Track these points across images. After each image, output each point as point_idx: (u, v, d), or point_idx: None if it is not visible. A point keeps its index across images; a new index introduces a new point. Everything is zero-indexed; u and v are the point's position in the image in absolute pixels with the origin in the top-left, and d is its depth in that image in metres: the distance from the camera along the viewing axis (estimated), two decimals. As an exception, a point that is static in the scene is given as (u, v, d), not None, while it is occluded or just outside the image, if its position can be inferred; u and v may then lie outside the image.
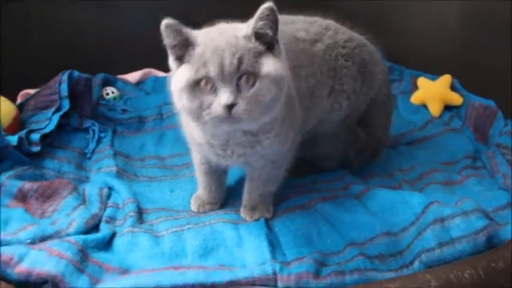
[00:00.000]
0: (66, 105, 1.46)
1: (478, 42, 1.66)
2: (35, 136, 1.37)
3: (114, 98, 1.70)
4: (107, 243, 1.13)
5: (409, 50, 1.82)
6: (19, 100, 1.60)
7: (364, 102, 1.30)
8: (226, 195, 1.29)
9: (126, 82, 1.80)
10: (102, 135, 1.51)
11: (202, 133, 1.06)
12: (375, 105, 1.34)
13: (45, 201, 1.22)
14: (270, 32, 0.94)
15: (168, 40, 0.93)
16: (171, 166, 1.47)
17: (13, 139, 1.30)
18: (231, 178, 1.33)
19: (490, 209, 1.17)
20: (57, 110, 1.45)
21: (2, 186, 1.23)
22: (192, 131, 1.09)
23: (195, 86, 0.92)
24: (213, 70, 0.90)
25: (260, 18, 0.93)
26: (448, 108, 1.70)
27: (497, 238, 1.08)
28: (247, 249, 1.11)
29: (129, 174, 1.40)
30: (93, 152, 1.47)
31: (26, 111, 1.49)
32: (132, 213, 1.20)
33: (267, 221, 1.19)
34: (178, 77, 0.94)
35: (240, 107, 0.91)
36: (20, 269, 0.97)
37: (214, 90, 0.92)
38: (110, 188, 1.31)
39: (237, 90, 0.92)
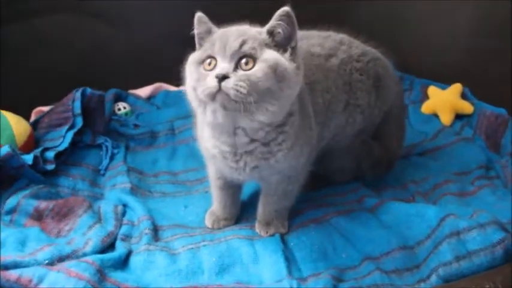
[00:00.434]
0: (79, 122, 1.48)
1: (488, 51, 1.65)
2: (50, 154, 1.39)
3: (126, 114, 1.71)
4: (123, 262, 1.13)
5: (419, 59, 1.82)
6: (33, 117, 1.62)
7: (378, 116, 1.30)
8: (240, 210, 1.29)
9: (137, 97, 1.81)
10: (115, 151, 1.52)
11: (211, 138, 1.07)
12: (388, 118, 1.34)
13: (61, 220, 1.23)
14: (281, 32, 0.97)
15: (196, 29, 1.02)
16: (184, 181, 1.47)
17: (28, 158, 1.31)
18: (245, 193, 1.33)
19: (506, 220, 1.16)
20: (71, 127, 1.47)
21: (18, 206, 1.24)
22: (206, 142, 1.10)
23: (201, 63, 0.98)
24: (217, 49, 0.95)
25: (275, 18, 0.97)
26: (459, 117, 1.70)
27: (515, 250, 1.07)
28: (264, 265, 1.11)
29: (143, 191, 1.41)
30: (106, 168, 1.48)
31: (39, 129, 1.51)
32: (147, 231, 1.21)
33: (282, 236, 1.19)
34: (192, 55, 1.02)
35: (231, 81, 0.92)
36: (40, 290, 0.97)
37: (214, 67, 0.95)
38: (125, 205, 1.32)
39: (235, 68, 0.94)
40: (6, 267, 1.01)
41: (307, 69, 1.15)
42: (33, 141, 1.45)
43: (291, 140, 1.06)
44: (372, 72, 1.26)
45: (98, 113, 1.54)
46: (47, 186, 1.33)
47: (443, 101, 1.71)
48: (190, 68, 0.99)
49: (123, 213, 1.29)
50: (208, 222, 1.27)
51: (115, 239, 1.20)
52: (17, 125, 1.41)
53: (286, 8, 0.96)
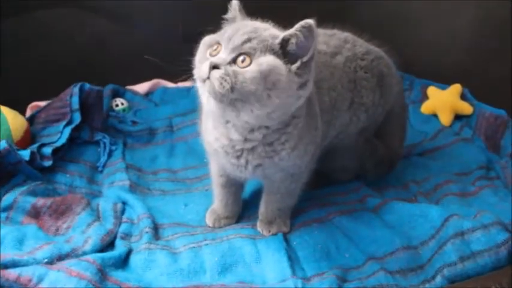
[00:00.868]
0: (77, 118, 1.45)
1: (488, 51, 1.66)
2: (47, 150, 1.35)
3: (124, 110, 1.69)
4: (123, 261, 1.10)
5: (419, 59, 1.81)
6: (28, 113, 1.59)
7: (381, 114, 1.29)
8: (242, 209, 1.28)
9: (135, 93, 1.78)
10: (113, 148, 1.49)
11: (213, 130, 1.06)
12: (391, 117, 1.33)
13: (58, 217, 1.20)
14: (295, 43, 0.94)
15: (227, 15, 1.03)
16: (183, 179, 1.45)
17: (25, 154, 1.28)
18: (246, 191, 1.31)
19: (507, 221, 1.16)
20: (69, 123, 1.43)
21: (15, 203, 1.21)
22: (209, 136, 1.09)
23: (210, 46, 0.97)
24: (225, 36, 0.95)
25: (295, 28, 0.94)
26: (458, 117, 1.70)
27: (519, 251, 1.07)
28: (267, 264, 1.10)
29: (142, 188, 1.39)
30: (104, 165, 1.45)
31: (36, 124, 1.47)
32: (147, 229, 1.19)
33: (284, 235, 1.18)
34: (207, 37, 1.01)
35: (218, 72, 0.91)
36: (40, 290, 0.95)
37: (217, 54, 0.95)
38: (124, 203, 1.30)
39: (232, 62, 0.93)
40: (5, 266, 0.98)
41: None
42: (29, 137, 1.42)
43: (294, 140, 1.04)
44: (376, 71, 1.25)
45: (96, 109, 1.51)
46: (44, 182, 1.30)
47: (443, 101, 1.71)
48: (201, 47, 0.99)
49: (122, 211, 1.27)
50: (209, 220, 1.25)
51: (114, 238, 1.18)
52: (14, 120, 1.37)
53: (309, 21, 0.92)
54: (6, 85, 1.57)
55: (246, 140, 1.03)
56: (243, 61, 0.93)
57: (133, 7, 1.83)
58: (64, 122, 1.43)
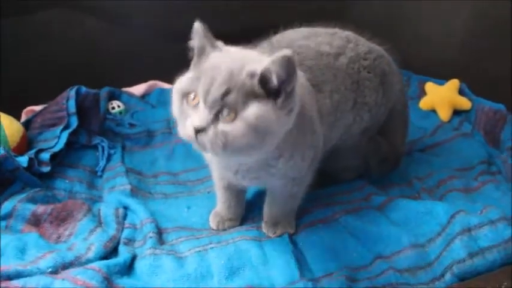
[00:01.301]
0: (74, 122, 1.42)
1: (486, 48, 1.66)
2: (45, 156, 1.32)
3: (120, 112, 1.66)
4: (128, 267, 1.08)
5: (417, 55, 1.81)
6: (23, 117, 1.55)
7: (384, 113, 1.28)
8: (246, 210, 1.26)
9: (131, 95, 1.75)
10: (112, 151, 1.46)
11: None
12: (392, 115, 1.32)
13: (59, 224, 1.18)
14: (275, 79, 0.87)
15: (192, 42, 0.93)
16: (184, 182, 1.43)
17: (23, 160, 1.25)
18: (249, 192, 1.29)
19: (510, 215, 1.17)
20: (66, 127, 1.40)
21: (14, 211, 1.18)
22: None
23: (185, 95, 0.91)
24: (200, 88, 0.88)
25: (272, 62, 0.86)
26: (456, 113, 1.70)
27: (526, 246, 1.07)
28: (274, 267, 1.08)
29: (144, 192, 1.36)
30: (103, 169, 1.42)
31: (32, 129, 1.44)
32: (151, 234, 1.17)
33: (290, 236, 1.17)
34: (180, 80, 0.94)
35: (206, 135, 0.88)
36: (45, 301, 0.93)
37: (197, 105, 0.89)
38: (125, 208, 1.27)
39: (215, 118, 0.88)
40: (8, 277, 0.96)
41: (315, 69, 1.13)
42: (26, 143, 1.38)
43: (288, 151, 1.02)
44: (378, 70, 1.24)
45: (93, 112, 1.48)
46: (43, 189, 1.27)
47: (441, 97, 1.71)
48: (175, 96, 0.93)
49: (124, 216, 1.25)
50: (212, 223, 1.23)
51: (117, 243, 1.16)
52: (10, 126, 1.34)
53: (286, 53, 0.85)
54: (-1, 90, 1.54)
55: (240, 164, 1.03)
56: (228, 114, 0.87)
57: (130, 7, 1.80)
58: (61, 127, 1.40)
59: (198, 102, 0.89)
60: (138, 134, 1.58)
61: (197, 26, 0.91)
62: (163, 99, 1.75)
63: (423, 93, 1.79)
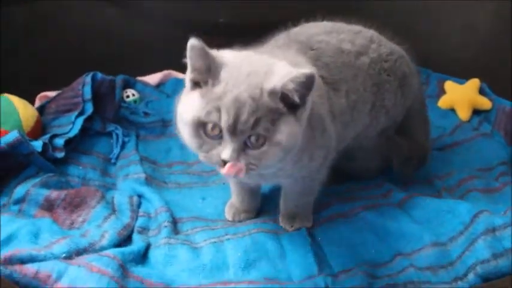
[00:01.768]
0: (89, 108, 1.40)
1: (507, 46, 1.62)
2: (59, 141, 1.30)
3: (135, 101, 1.64)
4: (142, 256, 1.06)
5: (437, 53, 1.78)
6: (37, 103, 1.53)
7: (401, 113, 1.26)
8: (262, 203, 1.23)
9: (145, 84, 1.73)
10: (126, 139, 1.44)
11: None
12: (412, 114, 1.30)
13: (73, 210, 1.16)
14: (297, 99, 0.84)
15: (190, 61, 0.85)
16: (199, 172, 1.41)
17: (37, 145, 1.23)
18: (265, 186, 1.26)
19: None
20: (81, 113, 1.39)
21: (27, 195, 1.16)
22: None
23: (201, 126, 0.85)
24: (225, 122, 0.82)
25: (292, 81, 0.83)
26: (476, 112, 1.67)
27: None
28: (291, 260, 1.06)
29: (158, 181, 1.34)
30: (117, 157, 1.40)
31: (46, 115, 1.42)
32: (166, 223, 1.15)
33: (308, 230, 1.14)
34: (188, 105, 0.87)
35: (239, 165, 0.85)
36: (60, 287, 0.90)
37: (219, 137, 0.85)
38: (140, 196, 1.25)
39: (243, 146, 0.85)
40: (22, 261, 0.93)
41: (333, 67, 1.09)
42: (40, 128, 1.37)
43: (296, 156, 0.97)
44: (399, 73, 1.21)
45: (108, 99, 1.46)
46: (57, 175, 1.25)
47: (462, 96, 1.67)
48: (189, 128, 0.85)
49: (139, 205, 1.23)
50: (228, 214, 1.21)
51: (131, 232, 1.14)
52: (24, 110, 1.32)
53: (306, 72, 0.82)
54: (14, 75, 1.52)
55: None
56: (257, 140, 0.84)
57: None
58: (76, 113, 1.38)
59: (220, 132, 0.84)
60: (153, 123, 1.56)
61: (194, 44, 0.82)
62: (179, 89, 1.71)
63: (442, 91, 1.75)
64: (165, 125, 1.57)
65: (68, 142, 1.33)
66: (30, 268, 0.92)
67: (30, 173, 1.21)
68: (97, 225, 1.12)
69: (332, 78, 1.09)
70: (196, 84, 0.87)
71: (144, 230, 1.15)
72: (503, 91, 1.65)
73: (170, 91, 1.74)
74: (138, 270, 1.00)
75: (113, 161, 1.40)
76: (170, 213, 1.19)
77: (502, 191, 1.32)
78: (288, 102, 0.85)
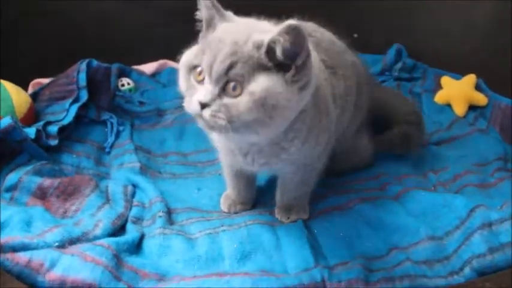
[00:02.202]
0: (84, 95, 1.37)
1: (504, 42, 1.62)
2: (53, 128, 1.28)
3: (130, 90, 1.62)
4: (136, 246, 1.05)
5: (434, 48, 1.77)
6: (30, 90, 1.51)
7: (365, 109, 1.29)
8: (258, 195, 1.23)
9: (141, 73, 1.71)
10: (121, 128, 1.42)
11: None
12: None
13: (66, 199, 1.14)
14: (282, 50, 0.82)
15: (199, 13, 0.90)
16: (194, 163, 1.39)
17: (31, 131, 1.21)
18: (261, 177, 1.26)
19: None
20: (75, 100, 1.36)
21: (19, 183, 1.14)
22: (211, 133, 1.04)
23: (192, 69, 0.88)
24: (204, 62, 0.84)
25: (278, 33, 0.81)
26: (471, 108, 1.67)
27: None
28: (287, 252, 1.05)
29: (153, 171, 1.33)
30: (112, 146, 1.38)
31: (40, 102, 1.40)
32: (161, 213, 1.13)
33: (304, 222, 1.14)
34: (186, 53, 0.91)
35: (208, 110, 0.83)
36: (53, 276, 0.89)
37: (203, 80, 0.85)
38: (134, 186, 1.24)
39: (220, 92, 0.84)
40: (14, 249, 0.92)
41: (331, 53, 1.12)
42: (33, 114, 1.34)
43: (303, 135, 0.97)
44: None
45: (104, 87, 1.44)
46: (50, 162, 1.23)
47: (458, 91, 1.67)
48: (181, 70, 0.90)
49: (133, 194, 1.22)
50: (223, 206, 1.20)
51: (125, 222, 1.12)
52: (17, 96, 1.30)
53: (291, 23, 0.80)
54: (7, 62, 1.49)
55: (252, 144, 0.98)
56: (234, 89, 0.83)
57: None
58: (70, 100, 1.36)
59: (204, 79, 0.85)
60: (148, 113, 1.54)
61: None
62: (174, 79, 1.69)
63: (439, 86, 1.75)
64: (160, 114, 1.55)
65: (61, 130, 1.31)
66: (22, 256, 0.90)
67: (23, 160, 1.20)
68: (91, 214, 1.11)
69: (331, 63, 1.10)
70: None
71: (138, 220, 1.14)
72: (500, 87, 1.65)
73: (166, 81, 1.72)
74: (132, 260, 0.99)
75: (107, 149, 1.38)
76: (165, 203, 1.17)
77: (497, 186, 1.32)
78: (277, 59, 0.83)
